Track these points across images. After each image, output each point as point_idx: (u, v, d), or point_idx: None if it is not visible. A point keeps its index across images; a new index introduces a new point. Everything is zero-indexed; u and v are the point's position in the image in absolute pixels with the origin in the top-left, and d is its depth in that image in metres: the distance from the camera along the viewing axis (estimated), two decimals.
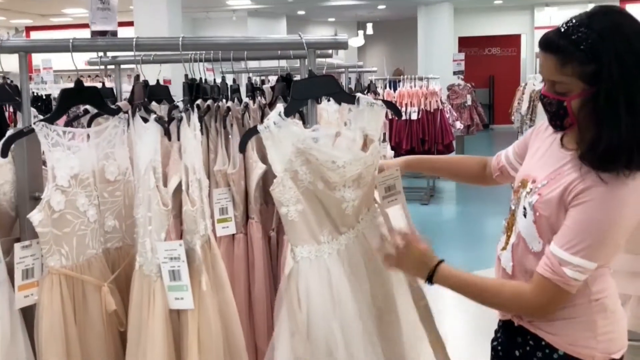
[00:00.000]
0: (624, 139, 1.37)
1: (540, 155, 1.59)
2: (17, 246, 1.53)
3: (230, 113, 2.28)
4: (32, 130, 1.55)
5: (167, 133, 1.59)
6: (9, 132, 1.57)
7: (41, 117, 1.71)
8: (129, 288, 1.70)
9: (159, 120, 1.56)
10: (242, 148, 1.68)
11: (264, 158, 2.38)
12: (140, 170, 1.60)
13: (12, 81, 1.90)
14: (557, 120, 1.48)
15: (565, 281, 1.44)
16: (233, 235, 2.30)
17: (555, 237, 1.46)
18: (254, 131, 1.57)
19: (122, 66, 2.47)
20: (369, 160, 1.72)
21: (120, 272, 1.72)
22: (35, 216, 1.52)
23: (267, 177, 2.38)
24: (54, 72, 7.94)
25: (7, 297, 1.53)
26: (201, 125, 2.28)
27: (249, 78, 2.50)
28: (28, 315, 1.58)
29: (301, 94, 1.66)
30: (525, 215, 1.53)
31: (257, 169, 2.29)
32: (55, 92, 7.28)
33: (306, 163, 1.58)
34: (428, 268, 1.59)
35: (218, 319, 1.64)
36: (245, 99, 2.38)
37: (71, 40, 1.59)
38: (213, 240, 1.73)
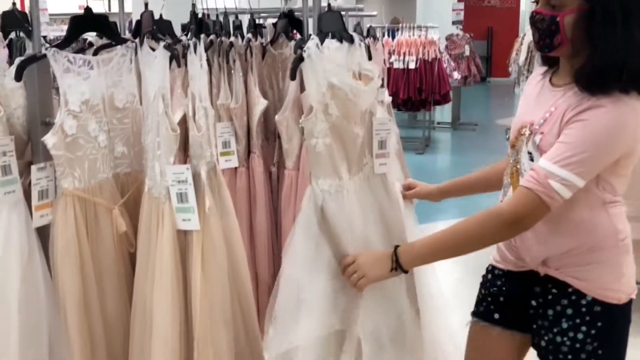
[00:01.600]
0: (617, 54, 1.38)
1: (532, 100, 1.60)
2: (33, 168, 1.59)
3: (233, 48, 2.32)
4: (44, 56, 1.60)
5: (176, 60, 1.63)
6: (21, 58, 1.61)
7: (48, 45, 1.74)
8: (137, 211, 1.77)
9: (168, 47, 1.60)
10: (293, 76, 1.65)
11: (265, 94, 2.44)
12: (150, 97, 1.64)
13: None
14: (547, 38, 1.47)
15: (548, 192, 1.40)
16: (235, 168, 2.38)
17: (546, 153, 1.45)
18: (300, 60, 1.57)
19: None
20: (372, 96, 1.77)
21: (129, 196, 1.79)
22: (50, 139, 1.58)
23: (269, 113, 2.44)
24: (49, 15, 7.84)
25: (24, 217, 1.60)
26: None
27: (251, 14, 2.52)
28: (42, 234, 1.66)
29: (325, 27, 1.68)
30: (532, 159, 1.52)
31: (259, 105, 2.35)
32: (50, 34, 7.22)
33: (335, 97, 1.61)
34: (389, 259, 1.57)
35: (223, 241, 1.71)
36: (247, 35, 2.42)
37: None
38: (219, 169, 1.79)
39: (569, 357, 1.55)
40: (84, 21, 1.71)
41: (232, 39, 2.34)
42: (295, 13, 2.55)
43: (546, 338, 1.59)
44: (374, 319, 1.70)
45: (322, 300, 1.65)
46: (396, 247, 1.59)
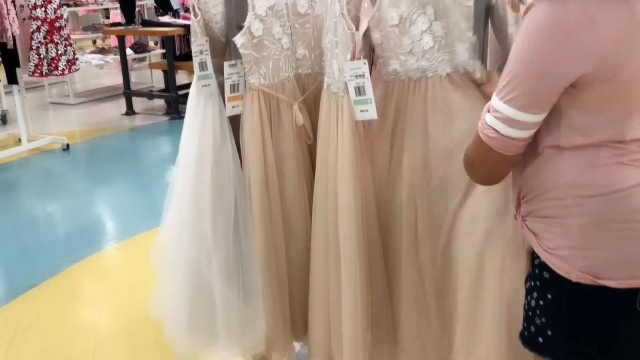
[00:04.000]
0: None
1: None
2: (225, 64, 1.86)
3: None
4: None
5: None
6: None
7: None
8: (316, 108, 1.97)
9: None
10: None
11: None
12: (327, 1, 1.80)
13: None
14: None
15: (483, 129, 1.16)
16: None
17: None
18: None
19: None
20: None
21: (309, 94, 2.00)
22: (239, 39, 1.83)
23: None
24: None
25: (218, 107, 1.90)
26: None
27: None
28: (235, 123, 1.95)
29: None
30: None
31: None
32: None
33: None
34: None
35: None
36: None
37: None
38: None
39: (524, 324, 1.29)
40: None
41: None
42: None
43: None
44: None
45: None
46: None
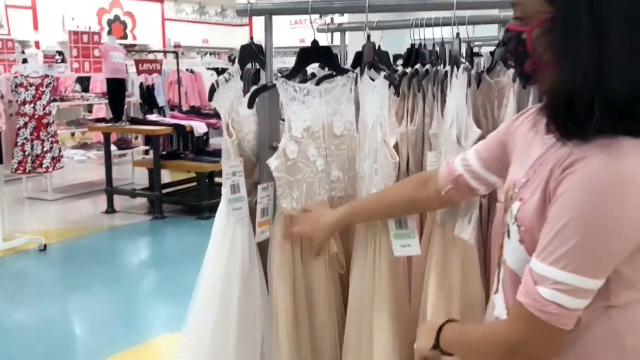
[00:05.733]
0: (582, 73, 0.95)
1: (524, 148, 1.17)
2: (259, 187, 1.72)
3: (448, 77, 2.30)
4: (274, 85, 1.72)
5: (396, 89, 1.66)
6: (255, 87, 1.76)
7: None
8: (349, 234, 1.83)
9: (387, 77, 1.64)
10: None
11: (478, 123, 2.38)
12: (367, 125, 1.70)
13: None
14: (518, 63, 1.07)
15: (540, 307, 0.98)
16: None
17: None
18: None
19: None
20: None
21: None
22: (273, 162, 1.70)
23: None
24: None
25: (247, 232, 1.74)
26: (419, 89, 2.35)
27: (469, 43, 2.50)
28: (262, 248, 1.78)
29: None
30: (509, 236, 1.10)
31: (472, 134, 2.29)
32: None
33: None
34: (435, 330, 1.24)
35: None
36: (464, 64, 2.38)
37: (310, 3, 1.72)
38: None
39: None
40: (311, 52, 1.82)
41: (447, 68, 2.32)
42: None
43: None
44: None
45: None
46: (447, 321, 1.26)
